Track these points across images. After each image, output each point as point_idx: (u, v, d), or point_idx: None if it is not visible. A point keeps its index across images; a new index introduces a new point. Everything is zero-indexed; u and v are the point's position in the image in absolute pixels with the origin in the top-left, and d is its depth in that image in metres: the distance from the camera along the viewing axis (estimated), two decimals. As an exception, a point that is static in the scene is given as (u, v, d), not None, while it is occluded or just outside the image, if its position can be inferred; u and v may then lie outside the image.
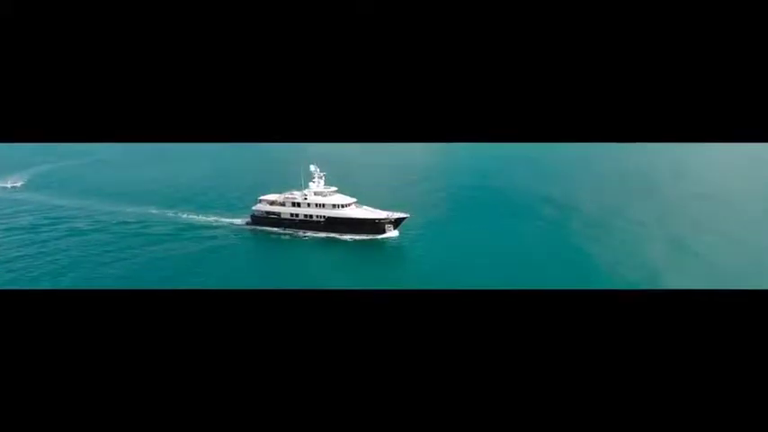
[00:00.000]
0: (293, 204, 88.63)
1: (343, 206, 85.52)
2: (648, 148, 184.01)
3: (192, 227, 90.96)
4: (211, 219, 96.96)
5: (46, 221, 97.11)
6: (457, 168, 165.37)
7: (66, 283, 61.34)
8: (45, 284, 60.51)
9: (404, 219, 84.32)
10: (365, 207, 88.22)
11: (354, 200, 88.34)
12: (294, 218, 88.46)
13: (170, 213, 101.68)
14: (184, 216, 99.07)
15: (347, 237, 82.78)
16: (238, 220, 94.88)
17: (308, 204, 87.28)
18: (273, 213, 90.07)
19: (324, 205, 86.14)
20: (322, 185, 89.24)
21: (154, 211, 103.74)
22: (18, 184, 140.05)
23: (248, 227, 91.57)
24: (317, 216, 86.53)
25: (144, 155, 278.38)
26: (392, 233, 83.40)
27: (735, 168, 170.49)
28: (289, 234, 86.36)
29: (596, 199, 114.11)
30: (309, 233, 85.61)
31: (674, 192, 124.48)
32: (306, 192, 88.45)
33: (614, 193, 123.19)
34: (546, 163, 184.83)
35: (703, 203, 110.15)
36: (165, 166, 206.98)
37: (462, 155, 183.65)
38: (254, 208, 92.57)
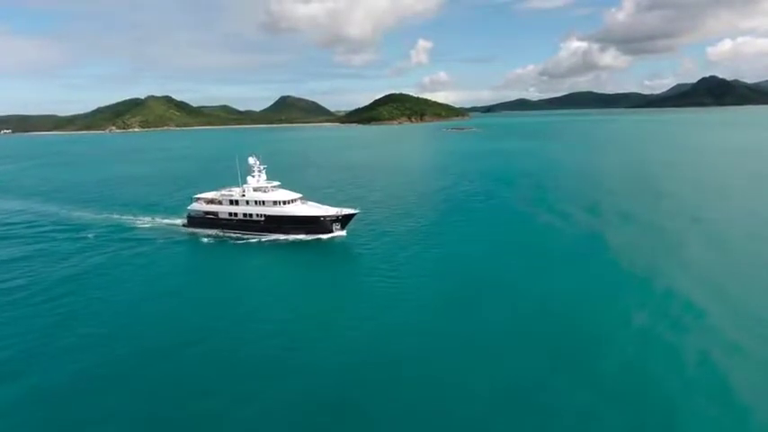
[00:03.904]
0: (231, 202, 78.33)
1: (284, 202, 75.02)
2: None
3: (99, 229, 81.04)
4: (146, 219, 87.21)
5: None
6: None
7: None
8: None
9: (353, 215, 73.94)
10: (311, 202, 77.90)
11: (299, 195, 77.94)
12: (233, 218, 78.18)
13: (102, 215, 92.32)
14: (120, 217, 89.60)
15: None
16: (177, 221, 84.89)
17: (247, 202, 76.96)
18: (211, 213, 79.85)
19: (264, 202, 75.78)
20: (263, 180, 78.93)
21: (88, 214, 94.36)
22: None
23: (184, 228, 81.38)
24: (257, 215, 76.17)
25: (112, 152, 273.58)
26: (339, 233, 73.04)
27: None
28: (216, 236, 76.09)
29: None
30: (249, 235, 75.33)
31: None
32: (244, 187, 78.15)
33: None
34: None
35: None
36: (128, 166, 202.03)
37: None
38: (189, 208, 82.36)
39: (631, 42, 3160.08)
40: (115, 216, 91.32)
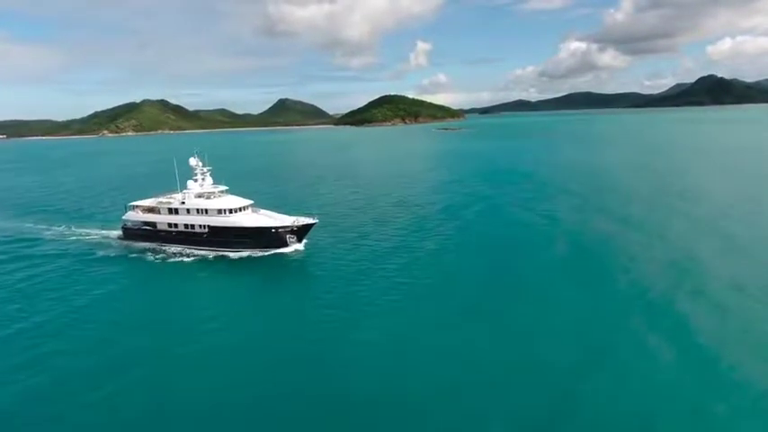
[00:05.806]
0: (170, 211, 66.39)
1: (231, 211, 63.12)
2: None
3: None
4: (77, 230, 75.07)
5: None
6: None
7: None
8: None
9: (311, 226, 62.02)
10: (264, 211, 66.03)
11: (250, 202, 66.08)
12: (172, 229, 66.22)
13: (25, 224, 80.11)
14: (35, 226, 77.62)
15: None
16: (114, 232, 72.90)
17: (188, 210, 65.03)
18: (148, 223, 67.93)
19: (207, 211, 63.84)
20: (208, 184, 67.01)
21: (6, 224, 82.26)
22: None
23: (119, 241, 69.41)
24: (200, 226, 64.23)
25: (86, 155, 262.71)
26: (295, 246, 61.11)
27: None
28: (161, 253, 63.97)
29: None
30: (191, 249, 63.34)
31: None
32: (185, 193, 66.22)
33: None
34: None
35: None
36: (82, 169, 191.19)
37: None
38: (124, 217, 70.38)
39: (631, 42, 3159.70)
40: (29, 225, 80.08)
